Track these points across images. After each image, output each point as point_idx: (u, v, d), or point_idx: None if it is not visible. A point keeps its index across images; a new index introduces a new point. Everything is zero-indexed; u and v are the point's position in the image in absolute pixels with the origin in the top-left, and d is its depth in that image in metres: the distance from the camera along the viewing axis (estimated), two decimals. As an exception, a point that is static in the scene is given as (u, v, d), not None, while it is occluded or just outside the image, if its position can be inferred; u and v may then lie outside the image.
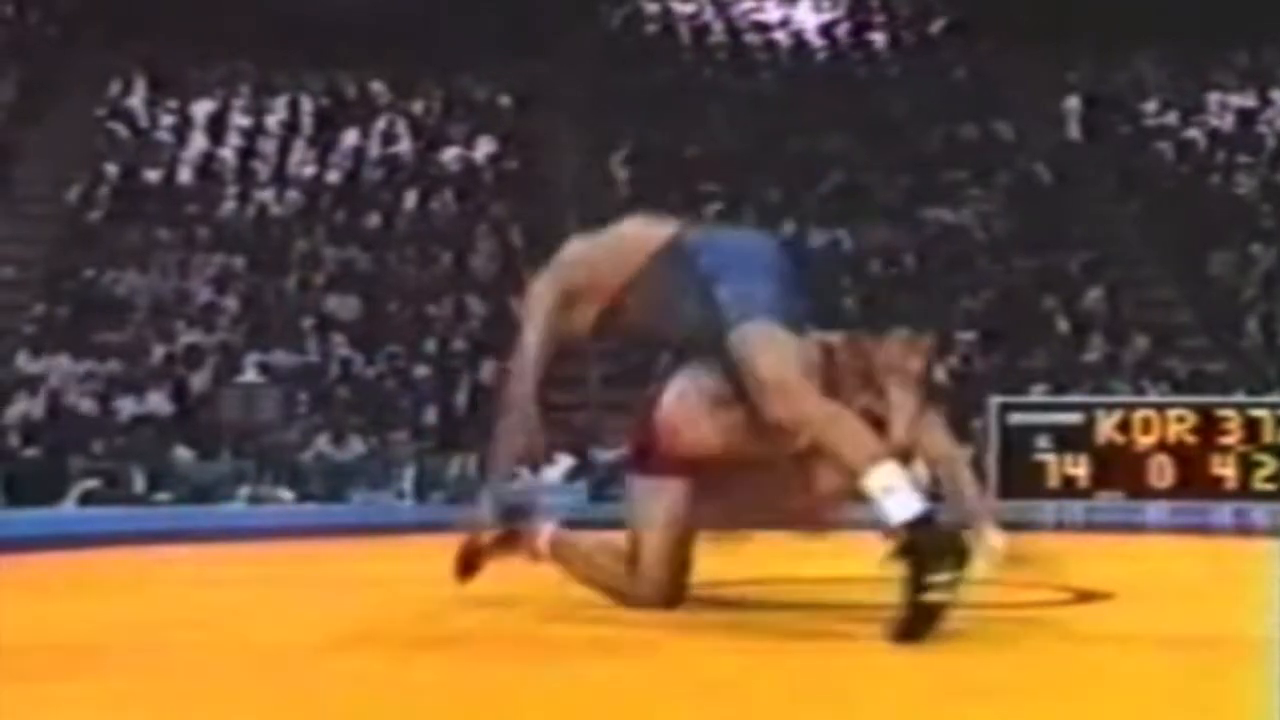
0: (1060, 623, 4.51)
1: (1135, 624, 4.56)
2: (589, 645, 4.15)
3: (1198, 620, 4.82)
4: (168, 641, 4.33)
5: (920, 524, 3.92)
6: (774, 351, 4.25)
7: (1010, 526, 4.76)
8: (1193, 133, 23.13)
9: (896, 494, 3.97)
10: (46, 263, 20.46)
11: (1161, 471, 14.27)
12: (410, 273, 20.68)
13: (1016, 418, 14.11)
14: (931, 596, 3.89)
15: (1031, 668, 3.83)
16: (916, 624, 3.90)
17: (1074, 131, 23.11)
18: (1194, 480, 14.20)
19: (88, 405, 18.23)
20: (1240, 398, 16.04)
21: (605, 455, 18.00)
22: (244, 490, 17.12)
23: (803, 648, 4.13)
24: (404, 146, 22.66)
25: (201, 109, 22.63)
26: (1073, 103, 23.18)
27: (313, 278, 20.31)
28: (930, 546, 3.88)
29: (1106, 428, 14.12)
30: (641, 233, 4.77)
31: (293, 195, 21.62)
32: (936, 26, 25.28)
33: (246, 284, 20.07)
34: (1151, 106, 23.57)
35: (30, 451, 17.29)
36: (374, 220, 21.37)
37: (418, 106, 23.22)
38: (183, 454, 17.54)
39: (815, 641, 4.26)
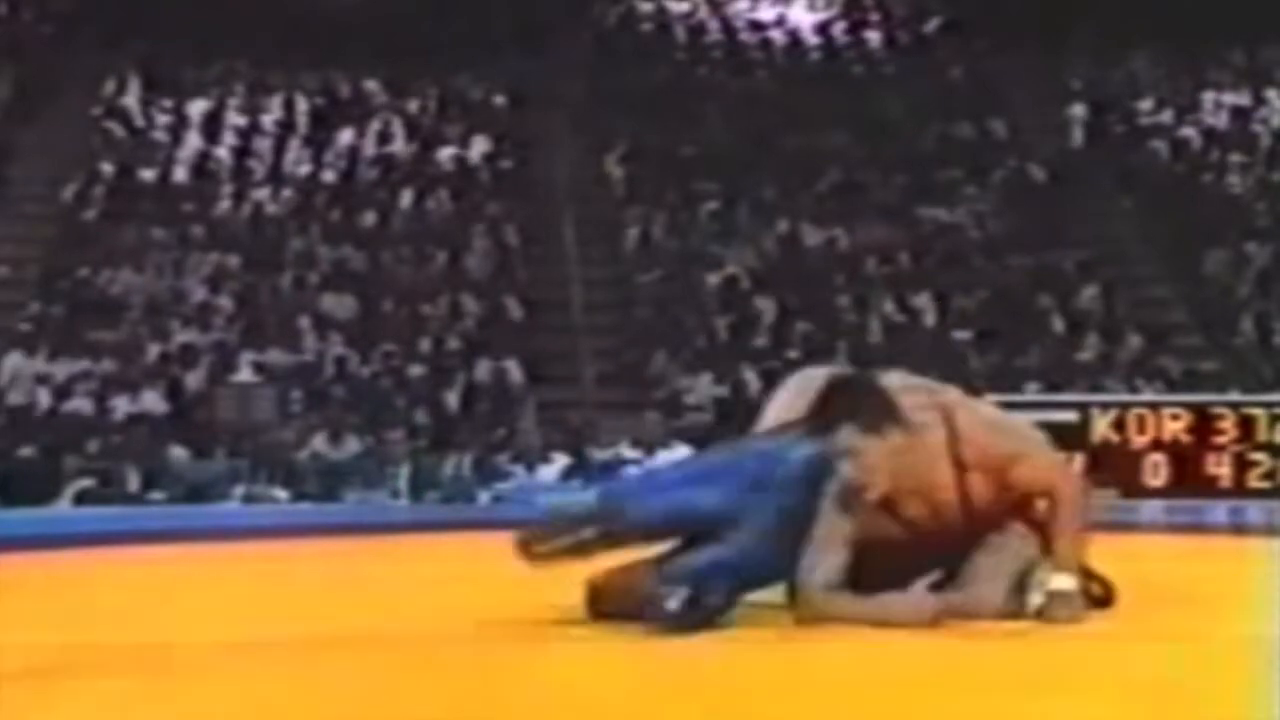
0: (1057, 621, 4.49)
1: (1132, 623, 4.55)
2: (582, 648, 4.13)
3: (1194, 619, 4.82)
4: (163, 640, 4.32)
5: None
6: None
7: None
8: (1188, 131, 23.07)
9: None
10: (41, 262, 20.36)
11: (1156, 470, 14.24)
12: (405, 272, 20.60)
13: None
14: None
15: (1028, 665, 3.83)
16: None
17: (1077, 138, 23.05)
18: (1189, 479, 14.16)
19: (82, 405, 18.18)
20: (1235, 396, 15.94)
21: (601, 454, 17.90)
22: (239, 490, 17.01)
23: (789, 646, 4.13)
24: (399, 146, 22.55)
25: (197, 108, 22.49)
26: (1077, 110, 23.12)
27: (308, 277, 20.25)
28: None
29: (1101, 426, 14.08)
30: None
31: (288, 194, 21.51)
32: (931, 25, 25.18)
33: (241, 283, 19.99)
34: (1147, 105, 23.50)
35: (25, 450, 17.18)
36: (369, 219, 21.29)
37: (413, 106, 23.11)
38: (178, 453, 17.45)
39: (803, 643, 4.24)
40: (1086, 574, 4.72)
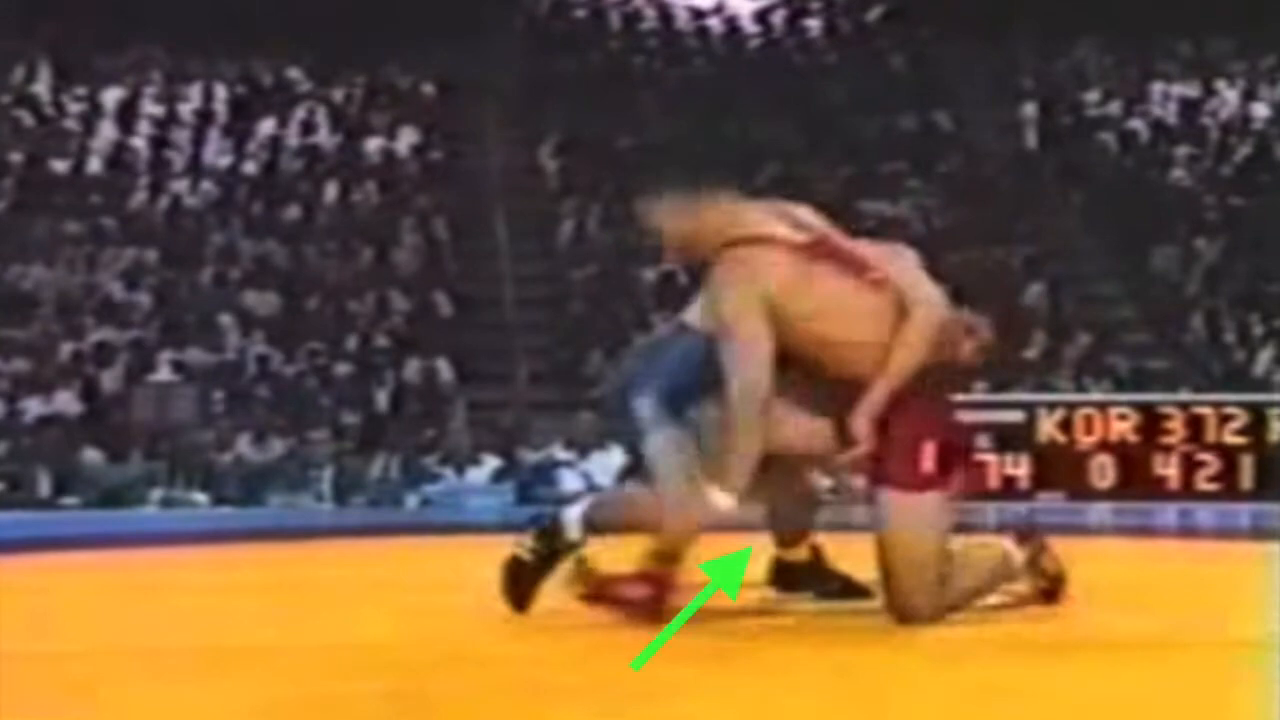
0: (1003, 627, 4.48)
1: (1080, 629, 4.50)
2: (514, 653, 4.13)
3: (1145, 625, 4.76)
4: (75, 651, 4.31)
5: None
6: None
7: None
8: (1135, 123, 23.15)
9: None
10: (-51, 257, 20.20)
11: (1103, 472, 14.41)
12: (331, 267, 20.48)
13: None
14: None
15: (975, 673, 3.76)
16: None
17: (1023, 131, 23.00)
18: (1136, 481, 14.34)
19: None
20: (1183, 395, 16.00)
21: (533, 456, 17.91)
22: (156, 494, 17.01)
23: (755, 646, 4.15)
24: (324, 136, 22.47)
25: (111, 96, 22.34)
26: (1024, 102, 23.09)
27: (229, 272, 20.09)
28: None
29: (1047, 427, 14.34)
30: None
31: (207, 187, 21.36)
32: (874, 14, 25.27)
33: (159, 279, 19.85)
34: (1094, 96, 23.58)
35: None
36: (293, 213, 21.17)
37: (338, 95, 23.04)
38: (92, 456, 17.39)
39: (757, 651, 4.02)
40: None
